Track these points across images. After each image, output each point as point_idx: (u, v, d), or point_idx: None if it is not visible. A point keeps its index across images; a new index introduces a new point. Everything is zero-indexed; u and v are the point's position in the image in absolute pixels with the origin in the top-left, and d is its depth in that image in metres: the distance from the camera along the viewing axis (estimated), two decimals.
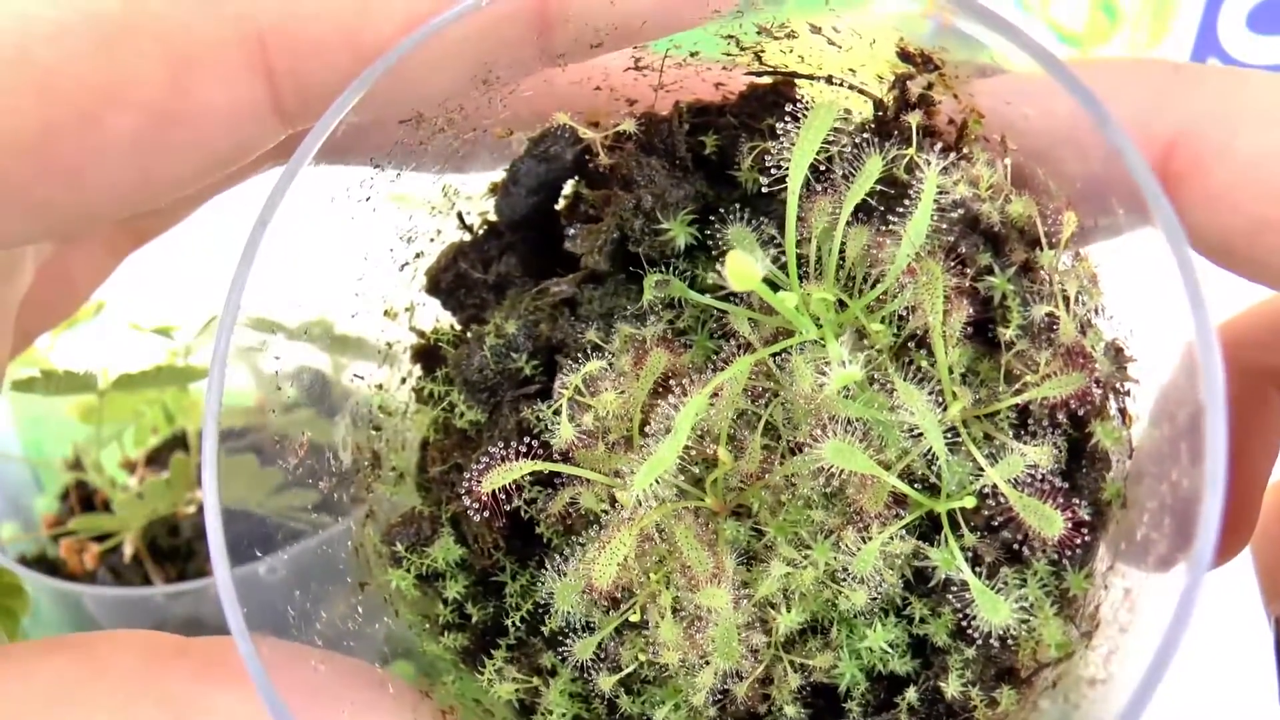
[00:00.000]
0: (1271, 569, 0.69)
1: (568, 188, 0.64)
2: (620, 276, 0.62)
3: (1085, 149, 0.44)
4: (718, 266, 0.58)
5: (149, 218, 0.69)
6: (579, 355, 0.60)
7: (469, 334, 0.62)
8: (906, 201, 0.53)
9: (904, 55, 0.53)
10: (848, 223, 0.54)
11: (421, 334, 0.65)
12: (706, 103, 0.61)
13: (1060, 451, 0.53)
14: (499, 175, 0.64)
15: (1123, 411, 0.53)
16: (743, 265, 0.44)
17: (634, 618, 0.57)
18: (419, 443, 0.66)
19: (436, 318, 0.65)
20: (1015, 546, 0.55)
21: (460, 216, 0.64)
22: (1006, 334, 0.52)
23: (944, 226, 0.51)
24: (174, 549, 1.30)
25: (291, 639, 0.53)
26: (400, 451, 0.64)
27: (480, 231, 0.65)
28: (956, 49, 0.49)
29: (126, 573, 1.27)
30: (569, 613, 0.60)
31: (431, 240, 0.63)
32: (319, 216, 0.52)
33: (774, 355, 0.56)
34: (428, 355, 0.65)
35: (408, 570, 0.60)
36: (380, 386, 0.63)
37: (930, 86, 0.54)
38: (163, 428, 1.40)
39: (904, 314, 0.54)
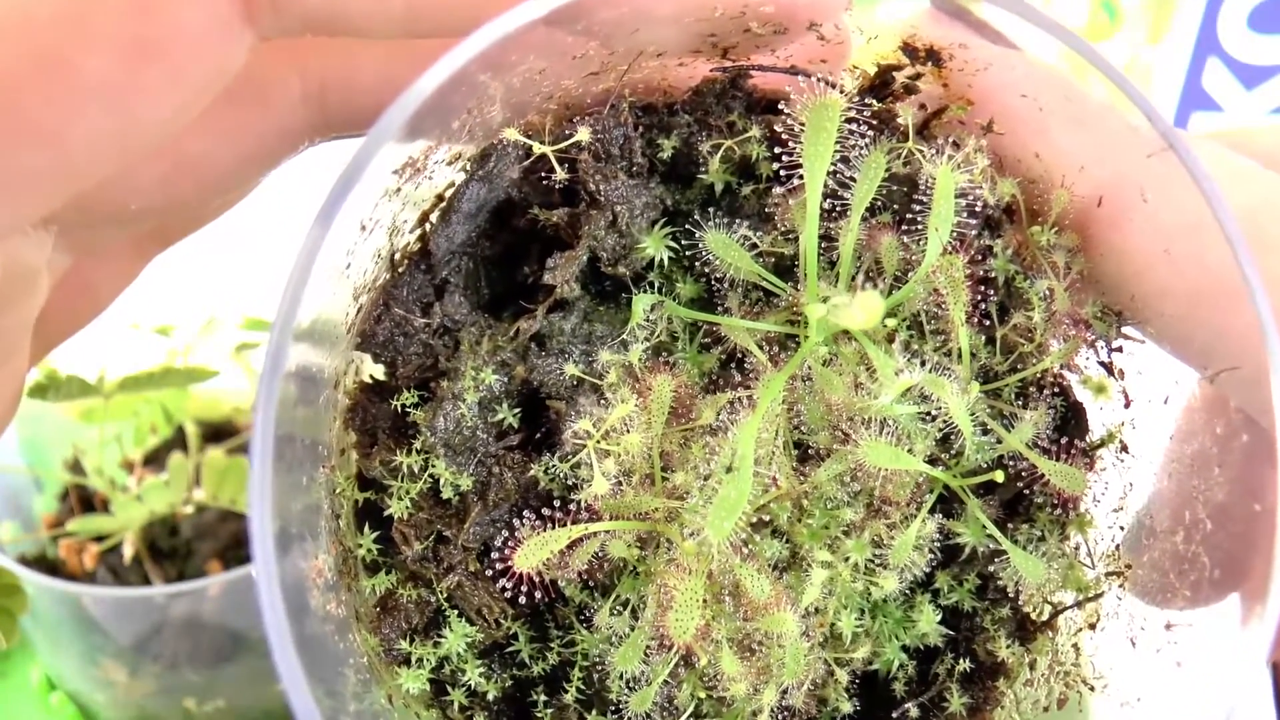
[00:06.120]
0: None
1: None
2: (588, 300, 0.57)
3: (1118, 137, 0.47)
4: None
5: (174, 219, 0.60)
6: (572, 395, 0.55)
7: (437, 390, 0.54)
8: (905, 192, 0.54)
9: (909, 50, 0.52)
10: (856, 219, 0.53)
11: (350, 394, 0.57)
12: (652, 102, 0.57)
13: (1056, 412, 0.57)
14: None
15: (1107, 365, 0.57)
16: (872, 306, 0.42)
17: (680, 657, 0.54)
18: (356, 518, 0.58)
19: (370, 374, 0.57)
20: (1016, 505, 0.59)
21: (391, 258, 0.55)
22: (1018, 314, 0.54)
23: (956, 218, 0.52)
24: (173, 549, 1.30)
25: None
26: (358, 534, 0.56)
27: (401, 269, 0.57)
28: (979, 44, 0.49)
29: (126, 573, 1.26)
30: (599, 669, 0.56)
31: (369, 290, 0.54)
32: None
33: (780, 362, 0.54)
34: (363, 421, 0.57)
35: (420, 665, 0.53)
36: (333, 467, 0.54)
37: (917, 77, 0.53)
38: (161, 427, 1.38)
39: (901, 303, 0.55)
